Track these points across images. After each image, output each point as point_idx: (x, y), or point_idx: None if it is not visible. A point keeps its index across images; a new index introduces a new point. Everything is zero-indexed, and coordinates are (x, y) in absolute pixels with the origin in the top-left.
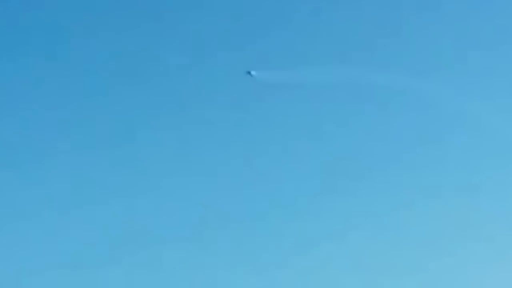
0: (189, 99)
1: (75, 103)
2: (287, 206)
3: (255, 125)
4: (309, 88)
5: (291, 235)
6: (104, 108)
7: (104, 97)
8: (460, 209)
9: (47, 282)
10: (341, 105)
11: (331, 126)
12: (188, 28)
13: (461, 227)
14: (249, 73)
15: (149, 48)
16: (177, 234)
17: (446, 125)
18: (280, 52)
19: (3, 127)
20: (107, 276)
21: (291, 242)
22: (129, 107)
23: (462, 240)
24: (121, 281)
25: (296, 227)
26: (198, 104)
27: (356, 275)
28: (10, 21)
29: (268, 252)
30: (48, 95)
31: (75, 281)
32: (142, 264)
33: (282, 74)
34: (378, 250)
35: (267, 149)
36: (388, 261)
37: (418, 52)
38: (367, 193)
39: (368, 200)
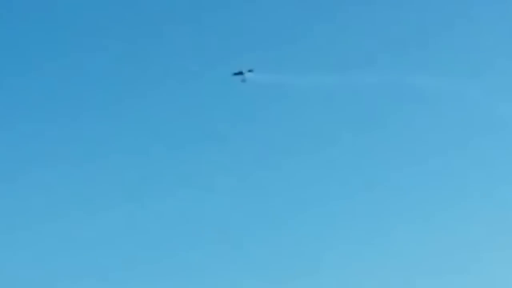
0: (198, 110)
1: (77, 116)
2: (309, 209)
3: (272, 128)
4: (331, 91)
5: (313, 239)
6: (109, 121)
7: (105, 110)
8: (494, 212)
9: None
10: (368, 108)
11: (349, 130)
12: (191, 38)
13: (495, 229)
14: (240, 73)
15: (152, 56)
16: (188, 240)
17: (477, 127)
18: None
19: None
20: (115, 280)
21: (313, 246)
22: (134, 119)
23: (496, 240)
24: (126, 285)
25: (322, 229)
26: (207, 115)
27: (376, 276)
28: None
29: (282, 255)
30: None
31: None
32: (146, 267)
33: (280, 78)
34: (419, 248)
35: (284, 153)
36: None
37: (450, 54)
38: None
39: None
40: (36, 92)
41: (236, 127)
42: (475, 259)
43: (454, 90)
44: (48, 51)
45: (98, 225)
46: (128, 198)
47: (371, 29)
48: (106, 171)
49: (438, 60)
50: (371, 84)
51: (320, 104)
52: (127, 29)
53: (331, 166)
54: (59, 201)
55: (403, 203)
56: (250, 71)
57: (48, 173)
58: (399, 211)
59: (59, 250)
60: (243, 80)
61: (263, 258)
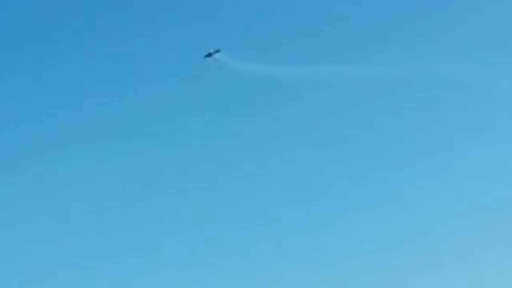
0: (197, 106)
1: (76, 112)
2: (307, 207)
3: (270, 123)
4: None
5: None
6: (104, 114)
7: (103, 100)
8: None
9: (52, 282)
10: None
11: (349, 126)
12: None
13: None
14: (209, 55)
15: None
16: (188, 235)
17: (475, 126)
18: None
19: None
20: (115, 276)
21: (312, 243)
22: (132, 115)
23: (493, 239)
24: (126, 282)
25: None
26: (206, 111)
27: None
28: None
29: (282, 253)
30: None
31: (80, 281)
32: (147, 265)
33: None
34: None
35: (283, 149)
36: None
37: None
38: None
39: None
40: (36, 88)
41: (233, 122)
42: (473, 258)
43: (462, 81)
44: (45, 50)
45: (98, 220)
46: (128, 194)
47: (374, 22)
48: (105, 168)
49: (444, 49)
50: (371, 78)
51: (321, 98)
52: (121, 28)
53: (329, 162)
54: (59, 195)
55: (402, 201)
56: (217, 51)
57: (48, 167)
58: (399, 209)
59: (59, 244)
60: (215, 61)
61: (260, 256)
